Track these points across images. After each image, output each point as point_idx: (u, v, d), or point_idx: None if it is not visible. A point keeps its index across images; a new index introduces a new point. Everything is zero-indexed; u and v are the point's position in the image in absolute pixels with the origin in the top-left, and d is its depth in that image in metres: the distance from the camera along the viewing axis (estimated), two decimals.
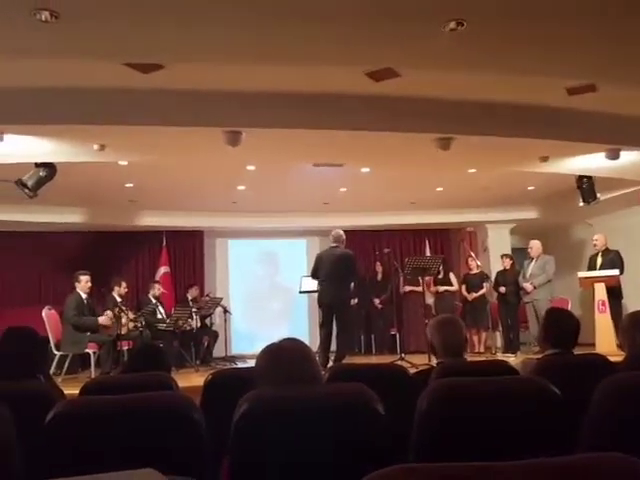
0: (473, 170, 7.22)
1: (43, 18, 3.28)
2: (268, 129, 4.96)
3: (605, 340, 6.71)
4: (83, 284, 6.75)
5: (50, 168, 5.58)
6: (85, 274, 6.82)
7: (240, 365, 7.37)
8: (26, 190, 5.53)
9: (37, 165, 5.55)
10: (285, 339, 1.87)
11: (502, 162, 6.52)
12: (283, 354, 1.78)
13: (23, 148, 5.11)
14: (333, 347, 6.45)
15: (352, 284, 7.03)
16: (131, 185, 7.44)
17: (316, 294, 6.77)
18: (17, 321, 3.46)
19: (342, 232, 6.72)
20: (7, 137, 4.81)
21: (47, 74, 4.22)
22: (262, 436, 1.56)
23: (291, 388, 1.66)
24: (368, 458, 1.05)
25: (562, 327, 2.73)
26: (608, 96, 4.93)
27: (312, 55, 4.05)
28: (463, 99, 4.97)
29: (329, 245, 6.76)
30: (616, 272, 7.24)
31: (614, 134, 5.57)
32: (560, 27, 3.71)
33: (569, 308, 7.90)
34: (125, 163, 6.19)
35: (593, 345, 6.68)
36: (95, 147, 5.14)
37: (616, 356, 3.34)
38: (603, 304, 7.03)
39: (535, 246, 7.99)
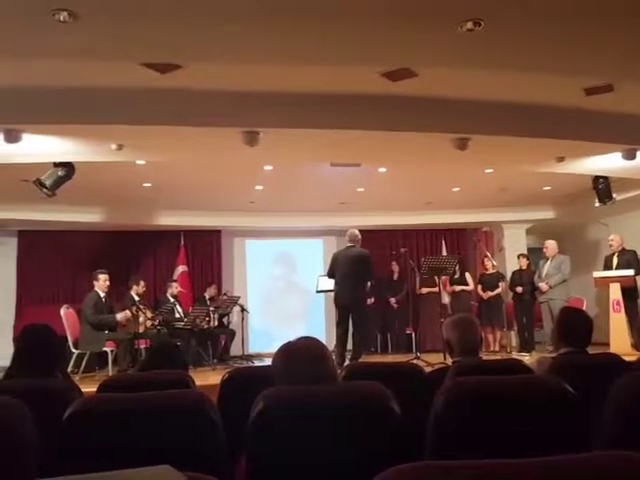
0: (490, 170, 7.19)
1: (62, 19, 3.32)
2: (285, 129, 4.98)
3: (620, 340, 6.67)
4: (102, 283, 6.82)
5: (68, 168, 5.64)
6: (104, 273, 6.89)
7: (257, 363, 7.41)
8: (44, 190, 5.59)
9: (55, 165, 5.60)
10: (301, 338, 1.88)
11: (518, 162, 6.47)
12: (299, 353, 1.80)
13: (41, 148, 5.17)
14: (349, 346, 6.46)
15: (368, 284, 7.02)
16: (149, 185, 7.50)
17: (332, 293, 6.77)
18: (35, 319, 3.51)
19: (358, 232, 6.72)
20: (26, 137, 4.87)
21: (65, 74, 4.26)
22: (278, 434, 1.57)
23: (307, 386, 1.68)
24: (383, 456, 1.06)
25: (576, 326, 2.72)
26: (625, 96, 4.88)
27: (329, 55, 4.06)
28: (480, 99, 4.95)
29: (345, 245, 6.76)
30: (631, 272, 7.18)
31: (631, 134, 5.52)
32: (578, 27, 3.69)
33: (584, 308, 7.83)
34: (143, 163, 6.24)
35: (608, 345, 6.64)
36: (113, 147, 5.19)
37: (630, 356, 3.32)
38: (618, 304, 6.98)
39: (551, 246, 7.93)
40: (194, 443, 1.60)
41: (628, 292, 7.09)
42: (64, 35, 3.56)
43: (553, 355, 2.76)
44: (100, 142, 5.21)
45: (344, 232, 7.05)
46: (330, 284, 6.79)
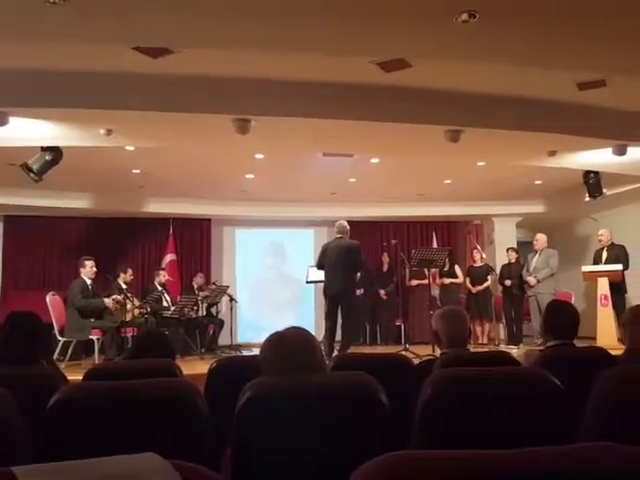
0: (482, 163, 7.21)
1: (52, 0, 3.27)
2: (278, 117, 4.95)
3: (606, 333, 6.76)
4: (88, 269, 6.77)
5: (56, 152, 5.58)
6: (90, 259, 6.83)
7: (245, 353, 7.41)
8: (31, 174, 5.53)
9: (43, 149, 5.54)
10: (290, 328, 1.87)
11: (510, 155, 6.49)
12: (287, 342, 1.79)
13: (29, 131, 5.11)
14: (338, 337, 6.48)
15: (358, 275, 7.04)
16: (138, 171, 7.44)
17: (322, 284, 6.78)
18: (21, 306, 3.48)
19: (346, 223, 6.73)
20: (13, 120, 4.81)
21: (54, 57, 4.21)
22: (265, 423, 1.56)
23: (295, 376, 1.67)
24: (370, 447, 1.06)
25: (562, 318, 2.75)
26: (618, 92, 4.91)
27: (323, 44, 4.04)
28: (474, 92, 4.95)
29: (334, 236, 6.76)
30: (619, 267, 7.24)
31: (622, 130, 5.55)
32: (572, 21, 3.69)
33: (572, 302, 7.90)
34: (132, 149, 6.19)
35: (595, 339, 6.70)
36: (102, 132, 5.14)
37: (616, 349, 3.34)
38: (605, 298, 7.05)
39: (541, 239, 7.98)
40: (180, 432, 1.59)
41: (616, 287, 7.17)
42: (54, 17, 3.50)
43: (540, 348, 2.78)
44: (89, 127, 5.15)
45: (335, 223, 7.05)
46: (320, 275, 6.80)
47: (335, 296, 6.42)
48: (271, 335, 1.84)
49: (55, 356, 6.18)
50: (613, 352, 2.75)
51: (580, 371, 1.89)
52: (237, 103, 4.77)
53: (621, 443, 0.82)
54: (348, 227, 6.72)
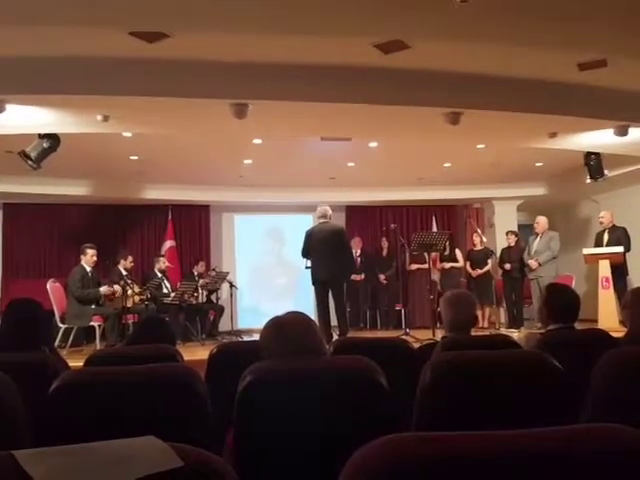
0: (481, 146, 7.17)
1: None
2: (275, 101, 4.91)
3: (608, 316, 6.76)
4: (89, 257, 6.77)
5: (53, 139, 5.56)
6: (92, 248, 6.84)
7: (246, 339, 7.43)
8: (29, 162, 5.51)
9: (40, 136, 5.52)
10: (289, 312, 1.87)
11: (511, 137, 6.46)
12: (287, 327, 1.78)
13: (26, 119, 5.08)
14: (333, 322, 6.46)
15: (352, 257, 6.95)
16: (136, 158, 7.41)
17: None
18: (22, 293, 3.49)
19: (328, 207, 6.62)
20: (10, 107, 4.77)
21: (51, 43, 4.17)
22: (265, 407, 1.57)
23: (295, 360, 1.67)
24: (371, 429, 1.06)
25: (563, 302, 2.73)
26: (619, 72, 4.86)
27: (322, 26, 4.00)
28: (473, 73, 4.90)
29: (317, 222, 6.67)
30: (620, 249, 7.23)
31: (623, 110, 5.51)
32: (572, 1, 3.64)
33: (573, 285, 7.91)
34: (129, 135, 6.15)
35: (596, 321, 6.71)
36: (99, 118, 5.10)
37: (618, 332, 3.34)
38: (607, 280, 7.05)
39: (541, 222, 7.97)
40: (181, 417, 1.59)
41: (617, 269, 7.16)
42: (50, 3, 3.46)
43: (541, 331, 2.78)
44: (86, 113, 5.12)
45: (334, 207, 7.02)
46: None
47: (325, 280, 6.34)
48: (271, 320, 1.84)
49: (57, 343, 6.20)
50: (615, 334, 2.75)
51: (581, 354, 1.90)
52: (234, 87, 4.73)
53: (623, 424, 0.81)
54: (331, 211, 6.62)
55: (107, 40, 4.15)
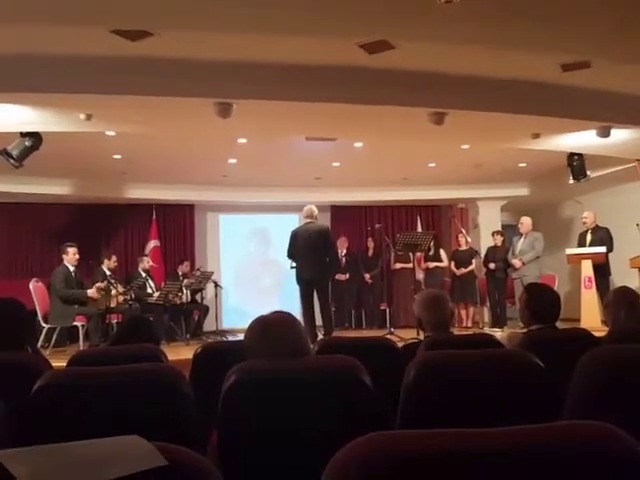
0: (466, 146, 7.22)
1: None
2: (260, 101, 4.90)
3: (590, 315, 6.84)
4: (71, 256, 6.70)
5: (35, 138, 5.51)
6: (72, 246, 6.76)
7: (231, 339, 7.40)
8: (11, 160, 5.45)
9: (22, 135, 5.46)
10: (274, 312, 1.87)
11: (495, 138, 6.50)
12: (271, 326, 1.78)
13: (8, 117, 5.02)
14: (318, 322, 6.47)
15: (334, 258, 6.97)
16: (119, 157, 7.36)
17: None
18: (4, 293, 3.45)
19: (315, 207, 6.65)
20: None
21: (33, 41, 4.12)
22: (250, 407, 1.57)
23: (279, 360, 1.67)
24: (355, 429, 1.06)
25: (544, 302, 2.74)
26: (602, 73, 4.91)
27: (305, 26, 3.99)
28: (457, 74, 4.93)
29: (303, 222, 6.69)
30: (603, 249, 7.32)
31: (606, 111, 5.57)
32: (557, 3, 3.67)
33: (556, 284, 8.00)
34: (113, 134, 6.11)
35: (579, 320, 6.79)
36: (81, 117, 5.06)
37: (600, 331, 3.39)
38: (589, 280, 7.13)
39: (526, 222, 8.04)
40: (166, 416, 1.59)
41: (600, 269, 7.24)
42: (32, 0, 3.42)
43: (524, 331, 2.80)
44: (68, 112, 5.07)
45: (319, 207, 7.03)
46: None
47: (310, 280, 6.35)
48: (256, 319, 1.84)
49: (40, 343, 6.14)
50: (597, 334, 2.78)
51: (563, 353, 1.91)
52: (218, 86, 4.72)
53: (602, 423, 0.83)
54: (316, 211, 6.65)
55: (90, 38, 4.11)
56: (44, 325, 6.41)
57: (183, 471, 0.74)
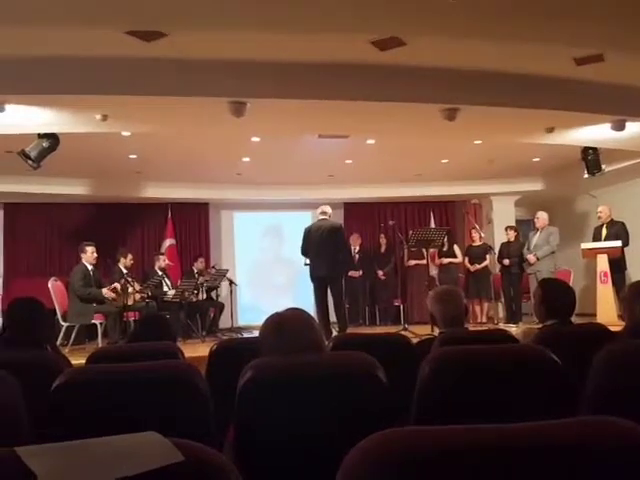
0: (479, 141, 7.17)
1: None
2: (273, 99, 4.92)
3: (606, 310, 6.78)
4: (89, 255, 6.78)
5: (53, 139, 5.56)
6: (90, 245, 6.85)
7: (246, 336, 7.43)
8: (29, 161, 5.51)
9: (40, 136, 5.52)
10: (289, 309, 1.88)
11: (508, 133, 6.46)
12: (286, 323, 1.80)
13: (25, 118, 5.08)
14: (332, 319, 6.48)
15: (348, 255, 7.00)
16: (135, 157, 7.41)
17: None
18: (23, 292, 3.50)
19: (328, 207, 6.71)
20: (9, 107, 4.78)
21: (48, 43, 4.17)
22: (266, 403, 1.58)
23: (295, 356, 1.68)
24: (370, 424, 1.07)
25: (559, 297, 2.72)
26: (615, 66, 4.86)
27: (317, 23, 4.00)
28: (470, 68, 4.91)
29: (317, 219, 6.72)
30: (618, 244, 7.24)
31: (620, 105, 5.51)
32: None
33: (571, 279, 7.93)
34: (128, 134, 6.15)
35: (595, 315, 6.73)
36: (97, 117, 5.11)
37: (616, 326, 3.36)
38: (605, 275, 7.06)
39: (542, 217, 7.97)
40: (182, 413, 1.61)
41: (615, 263, 7.17)
42: (47, 2, 3.46)
43: (539, 326, 2.78)
44: (84, 112, 5.12)
45: (333, 205, 7.04)
46: None
47: (323, 277, 6.38)
48: (270, 316, 1.85)
49: (59, 341, 6.22)
50: (613, 328, 2.76)
51: (579, 348, 1.90)
52: (232, 85, 4.74)
53: (620, 418, 0.82)
54: (330, 210, 6.70)
55: (104, 40, 4.15)
56: (63, 323, 6.50)
57: (200, 467, 0.75)
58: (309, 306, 8.97)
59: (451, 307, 2.68)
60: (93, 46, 4.24)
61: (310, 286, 6.59)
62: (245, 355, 1.75)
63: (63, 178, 8.09)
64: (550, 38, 4.27)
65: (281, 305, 2.04)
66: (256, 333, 1.97)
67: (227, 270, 8.60)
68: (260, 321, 1.94)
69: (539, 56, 4.66)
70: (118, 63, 4.46)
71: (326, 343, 2.20)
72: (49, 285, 6.69)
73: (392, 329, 6.97)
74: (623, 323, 2.90)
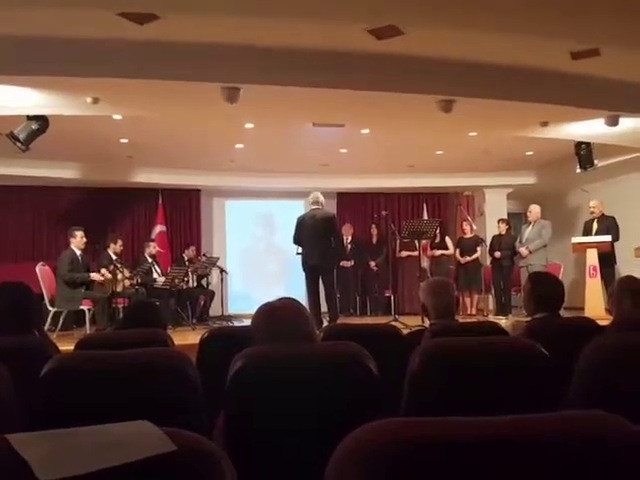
0: (474, 133, 7.17)
1: None
2: (267, 86, 4.88)
3: (594, 304, 6.84)
4: (78, 240, 6.73)
5: (42, 121, 5.50)
6: (79, 229, 6.79)
7: (236, 324, 7.44)
8: (18, 143, 5.45)
9: (29, 118, 5.46)
10: (281, 298, 1.88)
11: (503, 126, 6.47)
12: (278, 313, 1.80)
13: (14, 100, 5.02)
14: (323, 309, 6.49)
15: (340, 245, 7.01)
16: (126, 141, 7.35)
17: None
18: (10, 277, 3.46)
19: (320, 194, 6.66)
20: None
21: (39, 23, 4.10)
22: (256, 392, 1.58)
23: (286, 346, 1.68)
24: (360, 415, 1.08)
25: (548, 291, 2.74)
26: (611, 62, 4.87)
27: (314, 10, 3.96)
28: (467, 60, 4.90)
29: (309, 208, 6.70)
30: (608, 238, 7.29)
31: (615, 100, 5.53)
32: None
33: (561, 273, 7.98)
34: (119, 118, 6.10)
35: (583, 309, 6.79)
36: (88, 100, 5.05)
37: (604, 320, 3.39)
38: (594, 269, 7.12)
39: (534, 211, 8.01)
40: (172, 401, 1.60)
41: (605, 258, 7.22)
42: None
43: (528, 319, 2.80)
44: (75, 95, 5.07)
45: (326, 194, 7.02)
46: None
47: (315, 266, 6.38)
48: (263, 305, 1.85)
49: (46, 326, 6.18)
50: (601, 322, 2.79)
51: (567, 341, 1.91)
52: (226, 71, 4.70)
53: (607, 411, 0.83)
54: (322, 198, 6.65)
55: (97, 21, 4.09)
56: (50, 309, 6.45)
57: (192, 457, 0.74)
58: (301, 295, 8.98)
59: (443, 299, 2.69)
60: (85, 27, 4.18)
61: (302, 275, 6.59)
62: (236, 343, 1.75)
63: (52, 161, 8.01)
64: (547, 31, 4.26)
65: (272, 294, 2.04)
66: (246, 322, 1.96)
67: (218, 258, 8.59)
68: (251, 310, 1.94)
69: (536, 49, 4.65)
70: (110, 45, 4.40)
71: (317, 333, 2.20)
72: (37, 270, 6.64)
73: (383, 320, 7.00)
74: (610, 317, 2.92)
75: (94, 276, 6.63)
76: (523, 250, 7.79)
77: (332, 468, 0.76)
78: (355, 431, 0.79)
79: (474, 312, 8.55)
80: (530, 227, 7.95)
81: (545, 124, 6.09)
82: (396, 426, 0.80)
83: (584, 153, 7.06)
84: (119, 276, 6.76)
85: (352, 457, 0.76)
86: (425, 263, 8.70)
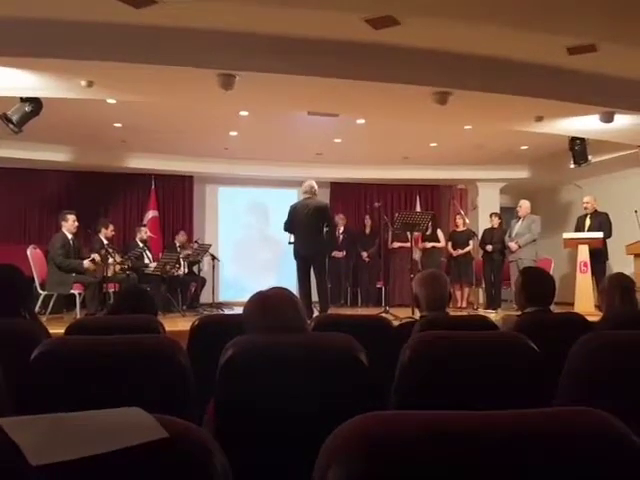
0: (468, 127, 7.18)
1: None
2: (263, 74, 4.85)
3: (584, 300, 6.88)
4: (70, 224, 6.69)
5: (36, 103, 5.46)
6: (72, 213, 6.75)
7: (227, 312, 7.43)
8: (11, 125, 5.41)
9: (22, 100, 5.42)
10: (273, 288, 1.88)
11: (498, 119, 6.47)
12: (270, 302, 1.80)
13: (8, 81, 4.96)
14: (314, 298, 6.50)
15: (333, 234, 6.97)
16: (120, 125, 7.30)
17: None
18: (1, 259, 3.44)
19: (314, 183, 6.61)
20: None
21: (34, 5, 4.06)
22: (247, 381, 1.58)
23: (277, 335, 1.68)
24: (350, 406, 1.08)
25: (539, 285, 2.75)
26: (607, 57, 4.87)
27: None
28: (463, 53, 4.89)
29: (302, 197, 6.68)
30: (600, 235, 7.32)
31: (610, 97, 5.54)
32: None
33: (552, 268, 8.03)
34: (114, 102, 6.05)
35: (572, 305, 6.84)
36: (82, 83, 5.00)
37: (593, 316, 3.41)
38: (585, 265, 7.15)
39: (524, 206, 8.03)
40: (163, 387, 1.60)
41: (597, 254, 7.25)
42: None
43: (518, 313, 2.82)
44: (69, 78, 5.01)
45: (319, 183, 7.01)
46: None
47: (307, 256, 6.36)
48: (255, 294, 1.85)
49: (36, 309, 6.16)
50: (590, 318, 2.80)
51: (557, 337, 1.93)
52: (222, 57, 4.66)
53: (596, 408, 0.83)
54: (316, 187, 6.60)
55: (93, 4, 4.05)
56: (41, 292, 6.43)
57: (184, 443, 0.74)
58: (292, 284, 9.00)
59: (436, 291, 2.69)
60: (81, 10, 4.14)
61: (294, 264, 6.58)
62: (227, 331, 1.75)
63: (45, 144, 7.95)
64: (544, 27, 4.26)
65: (264, 283, 2.04)
66: (237, 309, 1.97)
67: (210, 245, 8.56)
68: (242, 298, 1.94)
69: (533, 43, 4.65)
70: (106, 29, 4.36)
71: (308, 323, 2.21)
72: (28, 252, 6.61)
73: (373, 311, 7.02)
74: (600, 313, 2.95)
75: (86, 263, 6.59)
76: (513, 245, 7.82)
77: (322, 459, 0.77)
78: (344, 424, 0.79)
79: (464, 305, 8.60)
80: (520, 222, 7.98)
81: (540, 119, 6.09)
82: (386, 419, 0.80)
83: (578, 149, 7.08)
84: (110, 261, 6.73)
85: (342, 450, 0.76)
86: (417, 255, 8.72)
